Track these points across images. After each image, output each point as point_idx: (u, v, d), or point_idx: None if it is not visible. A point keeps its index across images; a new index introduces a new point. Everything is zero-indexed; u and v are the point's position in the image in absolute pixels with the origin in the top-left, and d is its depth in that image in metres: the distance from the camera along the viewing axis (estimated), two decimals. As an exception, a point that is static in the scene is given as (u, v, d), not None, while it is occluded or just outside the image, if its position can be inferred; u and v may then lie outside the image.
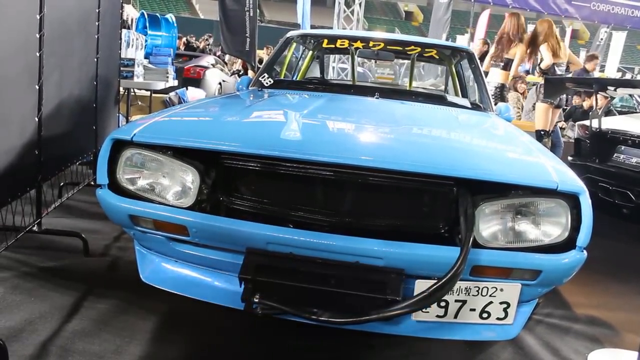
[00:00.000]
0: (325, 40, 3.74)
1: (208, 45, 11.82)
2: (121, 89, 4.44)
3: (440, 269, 1.74)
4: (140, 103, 5.86)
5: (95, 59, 3.49)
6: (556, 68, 5.50)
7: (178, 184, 1.95)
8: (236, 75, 10.49)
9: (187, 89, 6.45)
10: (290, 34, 3.79)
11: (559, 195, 1.78)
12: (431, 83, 5.85)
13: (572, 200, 1.79)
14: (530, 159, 1.99)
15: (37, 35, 2.47)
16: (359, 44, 3.51)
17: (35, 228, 2.66)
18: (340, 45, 3.58)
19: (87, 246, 2.70)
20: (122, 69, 4.41)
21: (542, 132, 5.55)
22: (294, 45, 3.98)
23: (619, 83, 4.79)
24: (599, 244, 3.63)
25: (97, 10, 3.43)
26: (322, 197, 1.92)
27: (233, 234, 1.86)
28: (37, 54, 2.48)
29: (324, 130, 2.08)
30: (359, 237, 1.81)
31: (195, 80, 8.13)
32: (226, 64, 10.47)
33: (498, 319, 1.88)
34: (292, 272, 1.82)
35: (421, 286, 1.79)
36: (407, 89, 3.54)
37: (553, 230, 1.80)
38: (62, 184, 3.49)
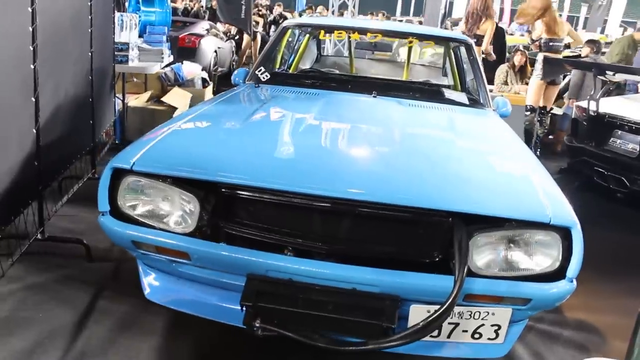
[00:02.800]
0: (322, 32, 3.69)
1: (202, 7, 11.55)
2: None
3: (434, 295, 1.82)
4: (135, 80, 5.79)
5: (90, 54, 3.45)
6: (552, 43, 5.48)
7: (178, 210, 1.98)
8: (232, 40, 10.32)
9: (182, 63, 6.36)
10: (286, 23, 3.74)
11: (551, 227, 1.82)
12: (429, 61, 5.80)
13: (564, 232, 1.83)
14: (524, 187, 2.01)
15: (31, 48, 2.44)
16: (356, 36, 3.47)
17: (38, 236, 2.70)
18: (338, 37, 3.53)
19: (90, 252, 2.75)
20: (116, 53, 4.34)
21: (532, 108, 5.66)
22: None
23: (617, 69, 4.76)
24: (591, 234, 3.69)
25: (89, 3, 3.36)
26: (320, 226, 1.95)
27: (233, 261, 1.91)
28: (32, 67, 2.46)
29: (320, 160, 2.08)
30: (355, 266, 1.86)
31: (190, 49, 7.99)
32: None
33: (489, 339, 1.95)
34: (292, 298, 1.88)
35: (416, 311, 1.86)
36: (404, 81, 3.53)
37: (544, 260, 1.85)
38: (61, 178, 3.51)
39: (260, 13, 12.09)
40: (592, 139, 4.65)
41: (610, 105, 4.58)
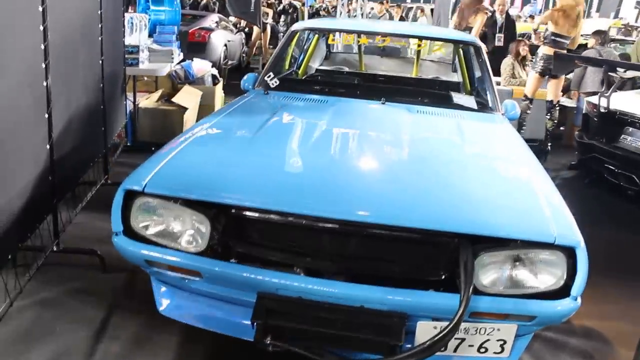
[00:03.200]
0: (331, 37, 3.71)
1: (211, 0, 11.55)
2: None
3: (441, 313, 1.86)
4: (146, 78, 5.83)
5: (100, 61, 3.49)
6: (554, 38, 5.46)
7: (190, 230, 2.03)
8: (242, 32, 10.32)
9: (192, 60, 6.38)
10: (294, 27, 3.76)
11: (556, 247, 1.85)
12: (439, 57, 5.80)
13: (569, 251, 1.85)
14: (530, 206, 2.03)
15: (43, 65, 2.48)
16: (364, 40, 3.48)
17: (53, 248, 2.77)
18: (346, 42, 3.56)
19: (104, 262, 2.82)
20: (126, 56, 4.38)
21: (526, 96, 5.75)
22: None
23: (628, 66, 4.72)
24: (599, 235, 3.68)
25: (99, 12, 3.39)
26: (328, 246, 2.00)
27: (244, 280, 1.96)
28: (45, 84, 2.50)
29: (327, 180, 2.11)
30: (363, 285, 1.90)
31: (200, 44, 8.02)
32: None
33: (495, 353, 1.99)
34: (301, 316, 1.93)
35: (423, 327, 1.90)
36: (413, 83, 3.53)
37: (549, 279, 1.88)
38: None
39: (269, 2, 12.05)
40: (602, 135, 4.62)
41: (621, 102, 4.54)
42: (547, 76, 5.63)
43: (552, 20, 5.44)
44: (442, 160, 2.40)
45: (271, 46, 11.75)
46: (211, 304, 2.19)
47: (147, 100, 5.23)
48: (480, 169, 2.32)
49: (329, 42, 4.07)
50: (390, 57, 5.41)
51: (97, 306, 2.54)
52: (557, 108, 5.70)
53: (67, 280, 2.71)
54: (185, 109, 5.10)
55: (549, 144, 5.80)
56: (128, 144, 4.80)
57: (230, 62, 9.00)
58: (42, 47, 2.46)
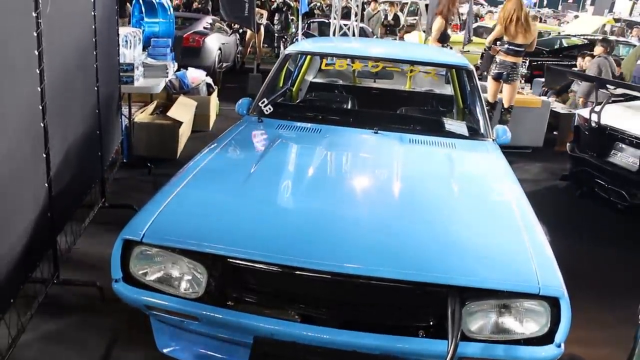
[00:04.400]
0: (324, 61, 3.75)
1: (202, 3, 11.49)
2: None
3: (430, 357, 1.96)
4: (141, 90, 5.86)
5: (96, 88, 3.51)
6: (509, 46, 5.67)
7: (187, 277, 2.10)
8: (236, 33, 10.31)
9: (187, 69, 6.41)
10: (288, 50, 3.81)
11: (541, 297, 1.92)
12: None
13: (553, 300, 1.93)
14: (517, 255, 2.09)
15: (40, 107, 2.51)
16: (357, 66, 3.53)
17: (54, 280, 2.82)
18: (339, 67, 3.60)
19: (103, 292, 2.87)
20: (121, 74, 4.40)
21: (488, 102, 5.85)
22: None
23: (618, 84, 4.77)
24: (587, 252, 3.73)
25: (93, 40, 3.42)
26: (322, 294, 2.07)
27: (240, 326, 2.03)
28: (42, 125, 2.54)
29: (318, 230, 2.16)
30: (355, 332, 1.98)
31: (194, 49, 8.02)
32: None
33: (482, 393, 2.07)
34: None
35: (412, 370, 1.99)
36: (407, 97, 3.57)
37: (533, 326, 1.97)
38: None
39: (261, 1, 11.99)
40: (593, 149, 4.69)
41: (612, 118, 4.59)
42: (501, 80, 5.83)
43: (503, 33, 5.65)
44: (432, 203, 2.45)
45: (265, 45, 11.75)
46: (209, 343, 2.27)
47: (142, 114, 5.27)
48: (469, 213, 2.37)
49: (322, 67, 4.12)
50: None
51: (98, 339, 2.60)
52: (510, 112, 5.88)
53: (67, 312, 2.77)
54: (181, 123, 5.14)
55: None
56: (124, 160, 4.83)
57: (225, 65, 9.01)
58: (39, 89, 2.50)
